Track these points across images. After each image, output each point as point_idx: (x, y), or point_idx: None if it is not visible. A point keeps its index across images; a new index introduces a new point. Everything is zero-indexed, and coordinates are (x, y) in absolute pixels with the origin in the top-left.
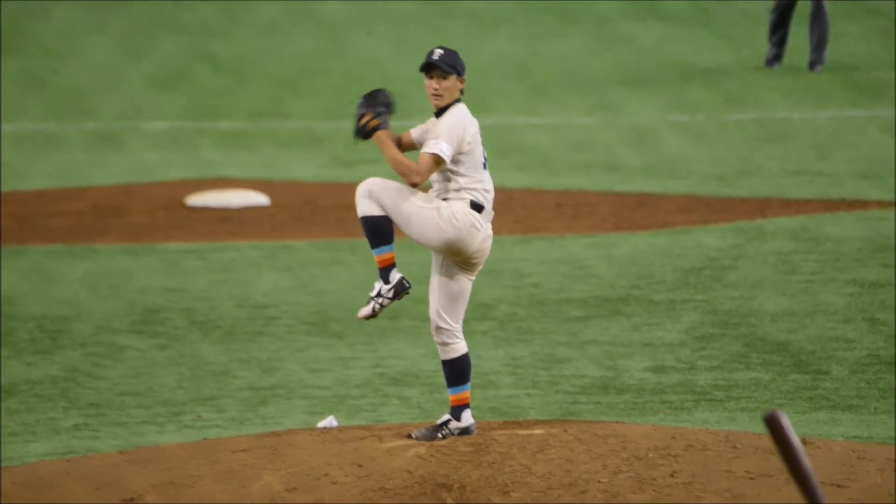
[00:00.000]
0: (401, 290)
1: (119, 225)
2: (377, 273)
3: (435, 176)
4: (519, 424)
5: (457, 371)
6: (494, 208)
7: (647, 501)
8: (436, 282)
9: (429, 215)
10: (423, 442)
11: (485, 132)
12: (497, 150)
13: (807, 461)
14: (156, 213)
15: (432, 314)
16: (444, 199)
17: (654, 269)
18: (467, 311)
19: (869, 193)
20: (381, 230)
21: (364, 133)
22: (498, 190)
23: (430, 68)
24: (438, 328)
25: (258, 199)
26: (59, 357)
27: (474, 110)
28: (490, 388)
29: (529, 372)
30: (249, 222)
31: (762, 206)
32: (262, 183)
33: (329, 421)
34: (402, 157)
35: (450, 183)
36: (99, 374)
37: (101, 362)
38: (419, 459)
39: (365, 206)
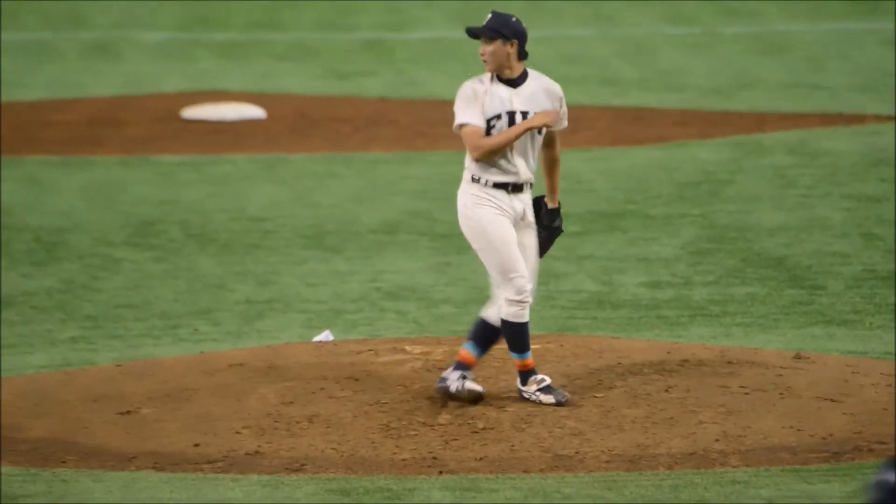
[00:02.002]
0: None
1: (114, 136)
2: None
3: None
4: None
5: (522, 336)
6: None
7: (642, 416)
8: (527, 243)
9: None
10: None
11: (476, 44)
12: None
13: None
14: (151, 125)
15: (530, 281)
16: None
17: (651, 183)
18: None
19: (867, 107)
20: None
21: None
22: None
23: (472, 34)
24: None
25: (254, 111)
26: (55, 269)
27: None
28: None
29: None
30: (245, 135)
31: (759, 120)
32: (257, 96)
33: (325, 335)
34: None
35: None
36: (96, 286)
37: (98, 274)
38: (415, 374)
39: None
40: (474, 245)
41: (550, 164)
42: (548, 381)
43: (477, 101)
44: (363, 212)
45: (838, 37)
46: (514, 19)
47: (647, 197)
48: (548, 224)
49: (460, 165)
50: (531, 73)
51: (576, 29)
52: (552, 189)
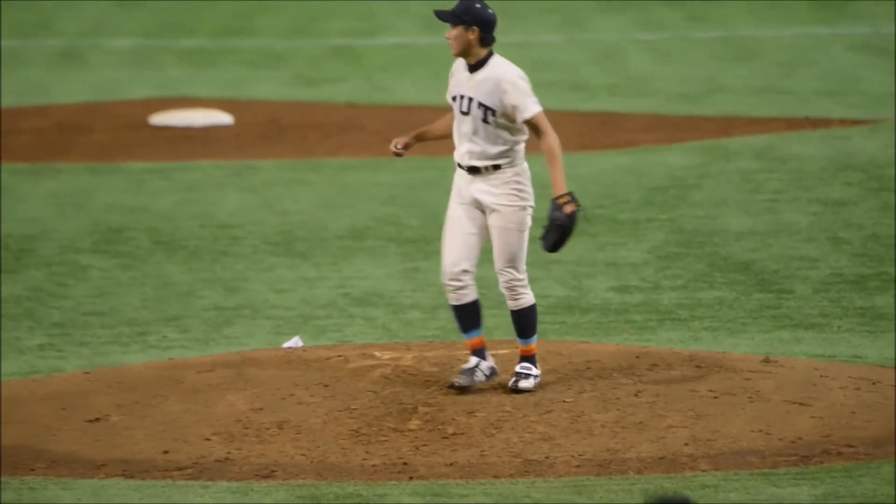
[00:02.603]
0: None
1: (82, 143)
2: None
3: (492, 137)
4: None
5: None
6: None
7: (612, 421)
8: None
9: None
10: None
11: (448, 50)
12: None
13: None
14: (119, 132)
15: (455, 265)
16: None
17: (619, 188)
18: (430, 230)
19: (833, 111)
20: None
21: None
22: None
23: (440, 17)
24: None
25: (222, 118)
26: (23, 276)
27: (439, 28)
28: None
29: (494, 292)
30: (213, 141)
31: (727, 125)
32: (226, 102)
33: (294, 341)
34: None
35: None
36: (63, 293)
37: (66, 282)
38: (384, 380)
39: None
40: None
41: (546, 156)
42: (472, 363)
43: (451, 79)
44: (331, 218)
45: (806, 42)
46: (478, 6)
47: (616, 202)
48: (549, 215)
49: (428, 171)
50: (494, 61)
51: (545, 35)
52: (552, 181)
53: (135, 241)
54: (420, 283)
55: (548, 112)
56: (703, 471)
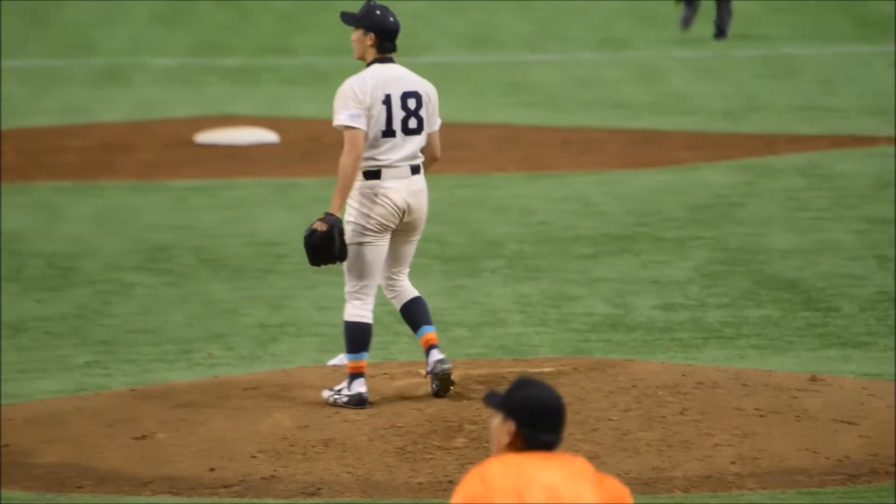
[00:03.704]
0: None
1: (126, 162)
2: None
3: None
4: (529, 363)
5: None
6: (500, 145)
7: (657, 439)
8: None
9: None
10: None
11: (490, 69)
12: (503, 87)
13: None
14: (163, 150)
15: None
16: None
17: (662, 206)
18: (475, 248)
19: (877, 129)
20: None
21: (322, 244)
22: (504, 127)
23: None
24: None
25: (266, 136)
26: (69, 294)
27: (480, 47)
28: (500, 325)
29: (538, 310)
30: (256, 159)
31: (770, 143)
32: (269, 120)
33: (340, 359)
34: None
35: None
36: (109, 311)
37: (111, 299)
38: (429, 397)
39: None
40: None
41: None
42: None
43: None
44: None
45: (847, 59)
46: (377, 12)
47: (659, 220)
48: None
49: (473, 189)
50: (385, 67)
51: (586, 53)
52: None
53: (179, 258)
54: (465, 300)
55: (590, 130)
56: (750, 490)
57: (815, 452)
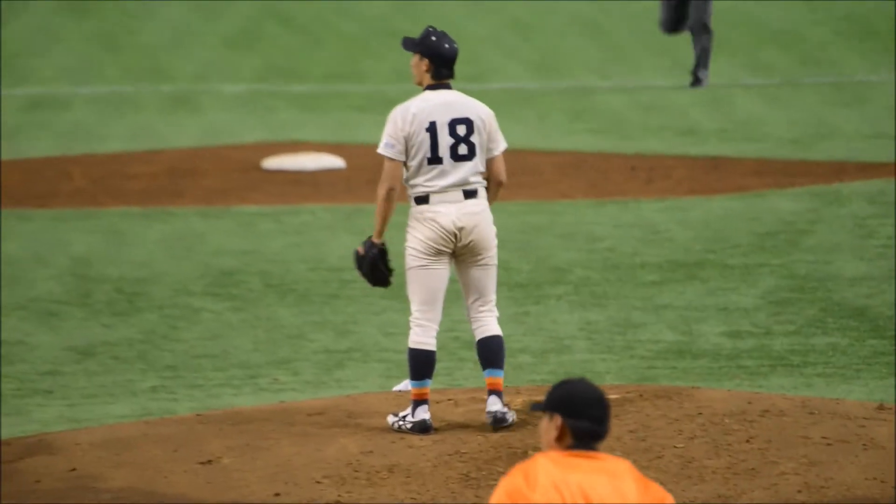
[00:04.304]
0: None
1: (194, 187)
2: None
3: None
4: None
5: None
6: (567, 171)
7: (723, 467)
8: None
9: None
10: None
11: (557, 95)
12: (570, 113)
13: None
14: (231, 176)
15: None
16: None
17: (730, 233)
18: (541, 274)
19: None
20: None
21: (372, 265)
22: (571, 153)
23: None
24: None
25: (333, 161)
26: (136, 319)
27: (547, 72)
28: (565, 352)
29: (605, 336)
30: (323, 185)
31: (838, 170)
32: (336, 146)
33: (405, 385)
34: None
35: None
36: (176, 336)
37: (178, 324)
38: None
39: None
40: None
41: None
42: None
43: None
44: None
45: None
46: (433, 38)
47: (726, 246)
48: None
49: (539, 215)
50: (438, 93)
51: (654, 79)
52: None
53: (246, 283)
54: (530, 327)
55: (657, 156)
56: None
57: (882, 482)
